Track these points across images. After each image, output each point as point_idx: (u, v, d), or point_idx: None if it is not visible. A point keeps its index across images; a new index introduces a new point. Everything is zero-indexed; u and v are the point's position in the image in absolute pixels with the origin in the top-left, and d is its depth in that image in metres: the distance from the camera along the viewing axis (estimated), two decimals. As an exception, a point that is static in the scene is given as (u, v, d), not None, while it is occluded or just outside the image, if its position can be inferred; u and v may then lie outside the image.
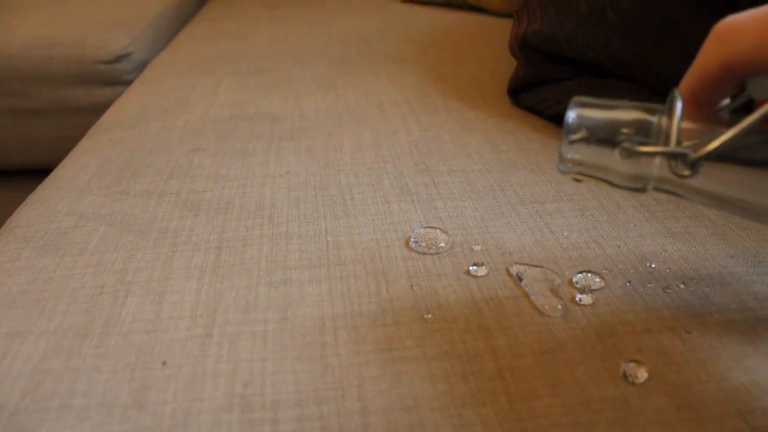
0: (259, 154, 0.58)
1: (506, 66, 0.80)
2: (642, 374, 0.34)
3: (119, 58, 0.91)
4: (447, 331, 0.37)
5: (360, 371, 0.34)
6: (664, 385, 0.33)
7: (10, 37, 0.91)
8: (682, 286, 0.40)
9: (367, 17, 1.12)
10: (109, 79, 0.91)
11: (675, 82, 0.57)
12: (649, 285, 0.40)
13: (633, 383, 0.33)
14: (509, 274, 0.41)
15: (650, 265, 0.42)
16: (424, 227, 0.46)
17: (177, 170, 0.56)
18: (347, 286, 0.40)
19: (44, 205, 0.52)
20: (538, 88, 0.65)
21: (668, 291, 0.40)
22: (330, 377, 0.34)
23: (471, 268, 0.42)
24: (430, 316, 0.38)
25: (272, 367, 0.35)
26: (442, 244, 0.44)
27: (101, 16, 0.99)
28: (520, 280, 0.41)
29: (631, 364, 0.34)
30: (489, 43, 0.93)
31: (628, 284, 0.41)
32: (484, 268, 0.42)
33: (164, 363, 0.35)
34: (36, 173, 0.98)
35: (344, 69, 0.82)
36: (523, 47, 0.65)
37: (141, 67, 0.94)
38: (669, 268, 0.42)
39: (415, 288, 0.40)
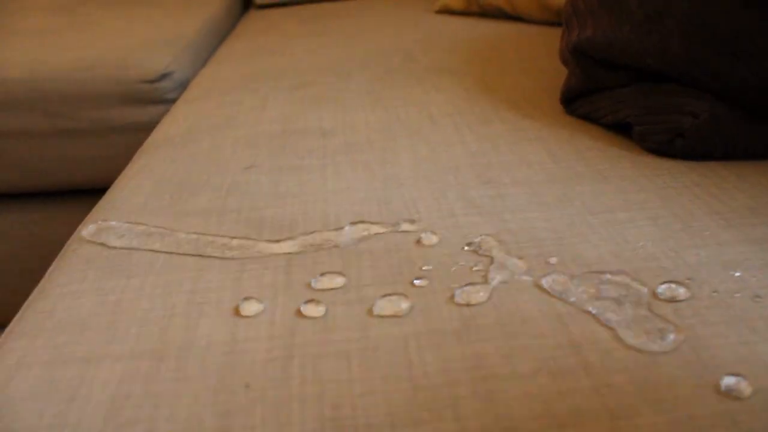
0: (315, 170, 0.57)
1: (553, 75, 0.79)
2: (746, 388, 0.32)
3: (161, 77, 0.91)
4: (536, 348, 0.35)
5: (452, 391, 0.33)
6: (772, 399, 0.32)
7: (53, 59, 0.92)
8: (773, 295, 0.39)
9: (404, 29, 1.11)
10: (152, 98, 0.91)
11: (740, 88, 0.56)
12: (737, 295, 0.39)
13: (737, 398, 0.32)
14: (590, 287, 0.40)
15: (735, 274, 0.41)
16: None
17: (234, 188, 0.55)
18: (426, 302, 0.39)
19: (99, 222, 0.51)
20: (593, 95, 0.64)
21: (758, 300, 0.38)
22: (422, 398, 0.33)
23: (545, 280, 0.41)
24: (514, 332, 0.37)
25: (360, 388, 0.33)
26: (527, 278, 0.42)
27: (141, 36, 1.00)
28: (602, 292, 0.40)
29: (733, 379, 0.33)
30: (532, 52, 0.91)
31: (714, 294, 0.39)
32: (562, 278, 0.41)
33: (247, 386, 0.34)
34: (78, 193, 0.99)
35: (388, 82, 0.81)
36: (575, 54, 0.64)
37: (183, 85, 0.94)
38: (754, 276, 0.40)
39: (496, 303, 0.39)
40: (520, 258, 0.43)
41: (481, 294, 0.40)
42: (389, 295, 0.40)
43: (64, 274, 0.46)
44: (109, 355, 0.37)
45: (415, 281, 0.41)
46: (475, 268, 0.42)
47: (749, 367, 0.34)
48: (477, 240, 0.45)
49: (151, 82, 0.90)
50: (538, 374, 0.34)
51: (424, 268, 0.42)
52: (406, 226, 0.47)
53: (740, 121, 0.54)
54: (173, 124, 0.73)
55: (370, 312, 0.39)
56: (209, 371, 0.35)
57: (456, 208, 0.49)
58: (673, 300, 0.39)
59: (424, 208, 0.50)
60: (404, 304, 0.39)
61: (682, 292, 0.39)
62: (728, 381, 0.33)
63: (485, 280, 0.41)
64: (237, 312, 0.40)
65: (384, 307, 0.39)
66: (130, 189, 0.57)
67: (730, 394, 0.32)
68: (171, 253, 0.46)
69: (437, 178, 0.54)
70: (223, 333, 0.38)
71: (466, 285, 0.41)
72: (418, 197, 0.51)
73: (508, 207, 0.49)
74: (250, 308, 0.40)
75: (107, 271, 0.45)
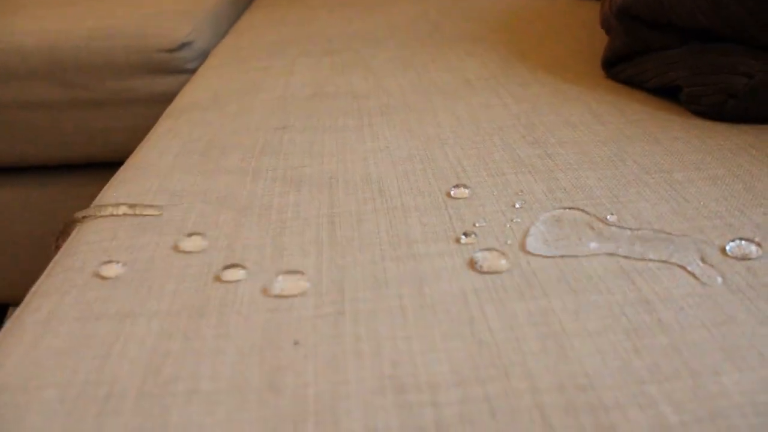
0: (351, 130, 0.55)
1: (589, 44, 0.76)
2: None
3: (181, 47, 0.88)
4: (605, 305, 0.33)
5: (519, 347, 0.31)
6: None
7: (71, 28, 0.89)
8: None
9: (429, 1, 1.08)
10: (172, 67, 0.88)
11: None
12: (814, 252, 0.36)
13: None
14: (653, 244, 0.37)
15: (809, 232, 0.38)
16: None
17: (267, 147, 0.53)
18: (483, 258, 0.37)
19: (132, 185, 0.49)
20: (638, 58, 0.61)
21: (839, 259, 0.36)
22: (487, 354, 0.30)
23: (606, 236, 0.38)
24: (581, 288, 0.34)
25: (419, 345, 0.31)
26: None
27: (161, 5, 0.97)
28: (668, 249, 0.37)
29: (823, 336, 0.30)
30: (562, 22, 0.89)
31: (791, 252, 0.36)
32: (623, 235, 0.38)
33: (296, 342, 0.32)
34: (96, 166, 0.96)
35: (419, 49, 0.79)
36: (621, 16, 0.61)
37: (203, 55, 0.92)
38: (832, 236, 0.38)
39: (557, 259, 0.37)
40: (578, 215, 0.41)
41: (542, 250, 0.37)
42: (441, 252, 0.38)
43: (92, 232, 0.44)
44: (145, 312, 0.35)
45: (465, 237, 0.39)
46: (530, 224, 0.40)
47: (836, 325, 0.31)
48: (529, 195, 0.43)
49: (171, 51, 0.88)
50: (609, 331, 0.31)
51: (477, 224, 0.40)
52: (457, 192, 0.44)
53: (799, 81, 0.51)
54: (197, 90, 0.70)
55: (421, 269, 0.37)
56: (253, 328, 0.33)
57: (505, 168, 0.47)
58: (744, 258, 0.36)
59: (471, 167, 0.47)
60: (458, 260, 0.36)
61: (753, 249, 0.37)
62: (816, 339, 0.30)
63: (543, 237, 0.39)
64: (278, 268, 0.37)
65: (436, 263, 0.37)
66: (157, 150, 0.55)
67: (819, 352, 0.30)
68: (204, 210, 0.44)
69: (480, 138, 0.52)
70: (263, 288, 0.36)
71: (524, 240, 0.38)
72: (463, 156, 0.49)
73: (558, 166, 0.47)
74: (292, 263, 0.37)
75: (138, 228, 0.43)
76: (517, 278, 0.35)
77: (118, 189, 0.49)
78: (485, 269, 0.35)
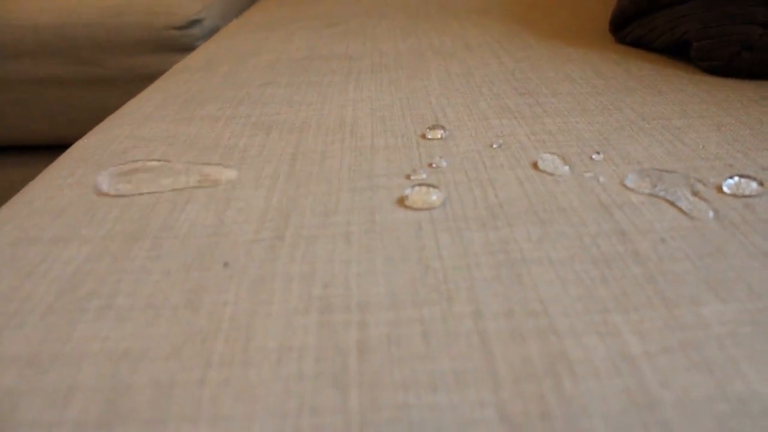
0: (336, 85, 0.52)
1: (599, 15, 0.72)
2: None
3: (191, 24, 0.87)
4: (574, 235, 0.29)
5: (470, 273, 0.27)
6: None
7: (83, 5, 0.89)
8: None
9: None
10: (181, 45, 0.87)
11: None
12: (827, 192, 0.32)
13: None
14: (640, 179, 0.33)
15: (823, 173, 0.34)
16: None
17: (247, 99, 0.50)
18: (447, 192, 0.33)
19: (104, 133, 0.47)
20: (647, 16, 0.57)
21: None
22: (432, 279, 0.27)
23: (587, 173, 0.34)
24: (549, 219, 0.31)
25: (358, 268, 0.28)
26: (566, 167, 0.36)
27: (173, -16, 0.97)
28: (654, 184, 0.33)
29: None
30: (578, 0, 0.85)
31: (798, 191, 0.32)
32: (607, 171, 0.34)
33: (226, 264, 0.29)
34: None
35: (424, 20, 0.76)
36: (630, -28, 0.57)
37: (213, 33, 0.90)
38: None
39: (529, 194, 0.33)
40: (560, 154, 0.37)
41: (512, 184, 0.34)
42: (402, 185, 0.34)
43: (52, 171, 0.42)
44: (80, 237, 0.32)
45: (414, 174, 0.35)
46: (505, 162, 0.36)
47: (843, 261, 0.27)
48: (510, 137, 0.39)
49: (181, 28, 0.87)
50: (575, 260, 0.28)
51: (444, 162, 0.37)
52: (431, 133, 0.41)
53: (823, 31, 0.47)
54: (194, 57, 0.68)
55: (377, 198, 0.33)
56: (187, 251, 0.30)
57: (489, 114, 0.44)
58: (743, 195, 0.32)
59: (453, 114, 0.44)
60: (415, 191, 0.33)
61: (754, 186, 0.33)
62: (817, 272, 0.26)
63: (516, 173, 0.35)
64: (227, 198, 0.35)
65: (394, 194, 0.33)
66: (137, 103, 0.53)
67: (819, 286, 0.26)
68: (167, 152, 0.42)
69: (469, 89, 0.49)
70: (211, 216, 0.33)
71: (495, 176, 0.35)
72: (447, 104, 0.46)
73: (547, 112, 0.43)
74: (242, 194, 0.35)
75: (97, 166, 0.41)
76: (482, 210, 0.32)
77: (90, 137, 0.47)
78: (411, 205, 0.32)
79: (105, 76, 0.88)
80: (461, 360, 0.23)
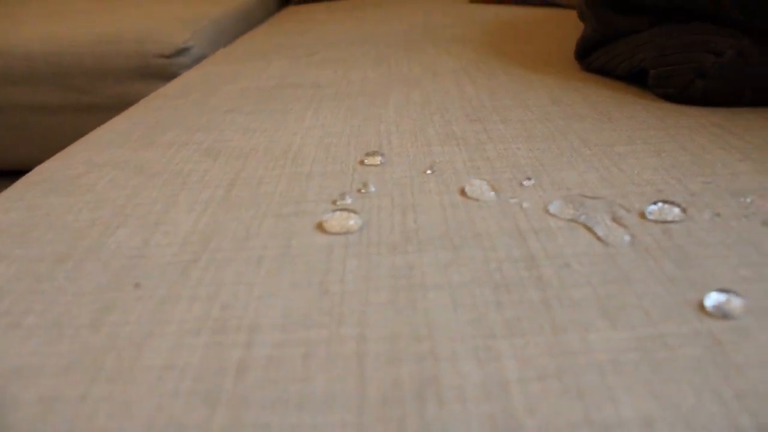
0: (295, 113, 0.53)
1: (574, 43, 0.72)
2: (737, 307, 0.25)
3: (179, 52, 0.90)
4: (482, 261, 0.29)
5: (366, 297, 0.27)
6: (770, 322, 0.25)
7: (76, 35, 0.92)
8: (791, 220, 0.31)
9: (433, 14, 1.07)
10: (169, 73, 0.89)
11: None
12: (744, 219, 0.32)
13: (725, 317, 0.25)
14: (564, 205, 0.34)
15: (745, 200, 0.34)
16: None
17: (207, 126, 0.51)
18: (368, 217, 0.34)
19: (62, 158, 0.48)
20: (609, 45, 0.57)
21: (772, 226, 0.31)
22: (327, 303, 0.27)
23: (513, 200, 0.35)
24: (461, 245, 0.31)
25: (260, 291, 0.28)
26: (492, 193, 0.36)
27: (164, 15, 1.00)
28: (577, 210, 0.33)
29: (722, 295, 0.26)
30: (557, 29, 0.85)
31: (716, 217, 0.32)
32: (533, 198, 0.34)
33: (137, 285, 0.29)
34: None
35: (401, 48, 0.77)
36: (592, 4, 0.58)
37: (200, 61, 0.92)
38: (772, 204, 0.33)
39: (449, 219, 0.33)
40: (490, 180, 0.37)
41: (435, 210, 0.34)
42: (325, 211, 0.35)
43: (6, 193, 0.43)
44: (12, 257, 0.33)
45: (341, 200, 0.36)
46: (434, 188, 0.37)
47: (750, 287, 0.27)
48: (446, 164, 0.40)
49: (168, 56, 0.89)
50: (475, 285, 0.28)
51: (373, 188, 0.37)
52: (369, 160, 0.41)
53: (775, 59, 0.47)
54: (171, 85, 0.70)
55: (299, 224, 0.34)
56: (105, 273, 0.31)
57: (433, 141, 0.44)
58: (663, 221, 0.32)
59: (397, 140, 0.44)
60: (334, 216, 0.33)
61: (676, 212, 0.33)
62: (716, 298, 0.26)
63: (441, 198, 0.35)
64: (158, 222, 0.35)
65: (316, 220, 0.34)
66: (103, 130, 0.54)
67: (715, 312, 0.25)
68: (116, 177, 0.43)
69: (421, 117, 0.49)
70: (138, 239, 0.34)
71: (419, 201, 0.35)
72: (395, 131, 0.46)
73: (492, 139, 0.43)
74: (173, 218, 0.35)
75: (47, 191, 0.42)
76: (397, 235, 0.32)
77: (50, 162, 0.49)
78: (329, 230, 0.32)
79: (95, 102, 0.91)
80: (334, 382, 0.23)
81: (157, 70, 0.89)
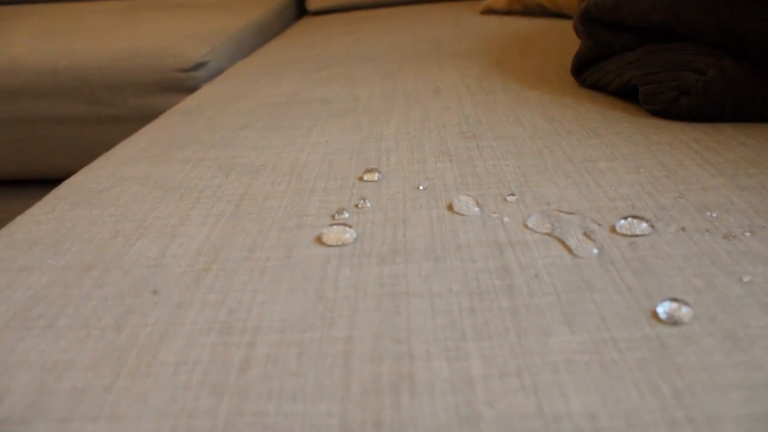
0: (303, 129, 0.57)
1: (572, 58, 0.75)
2: (686, 315, 0.29)
3: (197, 66, 0.94)
4: (460, 271, 0.33)
5: (355, 303, 0.31)
6: (713, 328, 0.28)
7: (99, 50, 0.97)
8: (748, 234, 0.34)
9: (443, 26, 1.10)
10: (187, 86, 0.94)
11: (751, 39, 0.51)
12: (706, 232, 0.35)
13: (675, 323, 0.28)
14: (541, 219, 0.37)
15: (710, 215, 0.37)
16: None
17: (221, 142, 0.55)
18: (363, 230, 0.37)
19: (89, 172, 0.53)
20: (601, 62, 0.60)
21: (731, 239, 0.34)
22: (321, 307, 0.31)
23: (495, 214, 0.38)
24: (443, 256, 0.34)
25: (263, 297, 0.32)
26: (476, 209, 0.39)
27: (184, 30, 1.04)
28: (553, 224, 0.36)
29: (674, 304, 0.29)
30: (561, 40, 0.88)
31: (681, 231, 0.35)
32: (514, 212, 0.38)
33: (155, 292, 0.33)
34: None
35: (409, 63, 0.80)
36: (584, 21, 0.61)
37: (217, 75, 0.97)
38: (734, 217, 0.36)
39: (435, 233, 0.37)
40: (476, 196, 0.40)
41: (423, 224, 0.38)
42: (325, 224, 0.39)
43: (37, 206, 0.47)
44: (44, 266, 0.37)
45: (338, 215, 0.39)
46: (424, 203, 0.40)
47: (700, 296, 0.30)
48: (437, 180, 0.43)
49: (187, 71, 0.93)
50: (452, 293, 0.31)
51: (369, 203, 0.41)
52: (368, 176, 0.45)
53: (753, 78, 0.49)
54: (188, 101, 0.74)
55: (299, 236, 0.37)
56: (127, 280, 0.35)
57: (428, 157, 0.47)
58: (632, 234, 0.35)
59: (395, 157, 0.48)
60: (331, 230, 0.37)
61: (644, 227, 0.36)
62: (667, 306, 0.29)
63: (430, 213, 0.39)
64: (174, 234, 0.39)
65: (316, 232, 0.37)
66: (125, 146, 0.59)
67: (666, 319, 0.29)
68: (137, 191, 0.47)
69: (419, 134, 0.53)
70: (155, 250, 0.38)
71: (410, 216, 0.38)
72: (394, 147, 0.50)
73: (483, 156, 0.47)
74: (188, 231, 0.39)
75: (74, 205, 0.46)
76: (387, 247, 0.36)
77: (77, 176, 0.53)
78: (326, 242, 0.36)
79: (116, 115, 0.96)
80: (323, 377, 0.26)
81: (176, 84, 0.94)
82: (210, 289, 0.33)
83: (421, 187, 0.42)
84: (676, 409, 0.24)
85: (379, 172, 0.44)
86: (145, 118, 0.96)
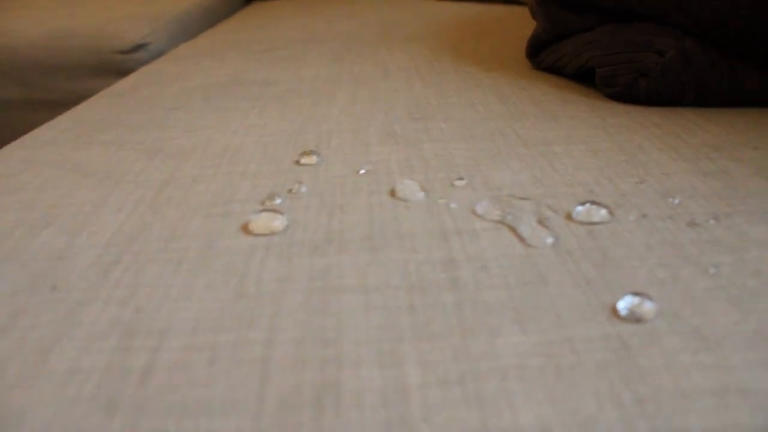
0: (240, 110, 0.53)
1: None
2: (649, 311, 0.26)
3: (136, 48, 0.88)
4: (401, 263, 0.29)
5: (279, 300, 0.27)
6: (679, 325, 0.25)
7: (31, 29, 0.90)
8: (713, 222, 0.32)
9: (396, 12, 1.07)
10: (126, 69, 0.88)
11: (712, 20, 0.48)
12: (669, 219, 0.32)
13: (637, 320, 0.25)
14: (491, 206, 0.34)
15: (673, 201, 0.34)
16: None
17: (149, 124, 0.51)
18: (295, 217, 0.34)
19: (2, 155, 0.48)
20: (558, 43, 0.57)
21: (695, 226, 0.31)
22: (241, 305, 0.27)
23: (442, 200, 0.35)
24: (382, 246, 0.31)
25: (176, 293, 0.28)
26: (421, 194, 0.36)
27: (124, 10, 0.98)
28: (504, 211, 0.33)
29: (635, 298, 0.26)
30: (516, 27, 0.86)
31: (642, 218, 0.32)
32: (462, 198, 0.34)
33: (54, 288, 0.29)
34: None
35: (358, 46, 0.76)
36: (542, 2, 0.58)
37: (159, 57, 0.91)
38: (697, 204, 0.33)
39: (374, 220, 0.33)
40: (422, 180, 0.37)
41: (362, 211, 0.34)
42: (253, 211, 0.35)
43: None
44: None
45: (269, 200, 0.36)
46: (365, 188, 0.37)
47: (664, 289, 0.27)
48: (381, 164, 0.40)
49: (125, 52, 0.87)
50: (390, 287, 0.28)
51: (304, 188, 0.37)
52: (306, 159, 0.41)
53: (714, 61, 0.47)
54: (123, 81, 0.69)
55: (223, 225, 0.33)
56: (25, 276, 0.30)
57: (372, 140, 0.44)
58: (589, 222, 0.32)
59: (338, 140, 0.44)
60: (259, 217, 0.33)
61: (603, 213, 0.33)
62: (628, 301, 0.26)
63: (370, 199, 0.35)
64: (85, 222, 0.35)
65: (241, 220, 0.34)
66: (44, 129, 0.54)
67: (627, 316, 0.26)
68: (51, 176, 0.42)
69: (365, 116, 0.49)
70: (62, 241, 0.33)
71: (348, 202, 0.35)
72: (336, 130, 0.46)
73: (430, 138, 0.43)
74: (101, 219, 0.35)
75: (-21, 191, 0.41)
76: (320, 236, 0.32)
77: (-11, 160, 0.48)
78: (254, 230, 0.32)
79: (49, 99, 0.89)
80: (235, 388, 0.23)
81: (114, 67, 0.88)
82: (117, 285, 0.29)
83: (362, 171, 0.39)
84: (638, 419, 0.21)
85: (318, 155, 0.41)
86: (79, 102, 0.90)
